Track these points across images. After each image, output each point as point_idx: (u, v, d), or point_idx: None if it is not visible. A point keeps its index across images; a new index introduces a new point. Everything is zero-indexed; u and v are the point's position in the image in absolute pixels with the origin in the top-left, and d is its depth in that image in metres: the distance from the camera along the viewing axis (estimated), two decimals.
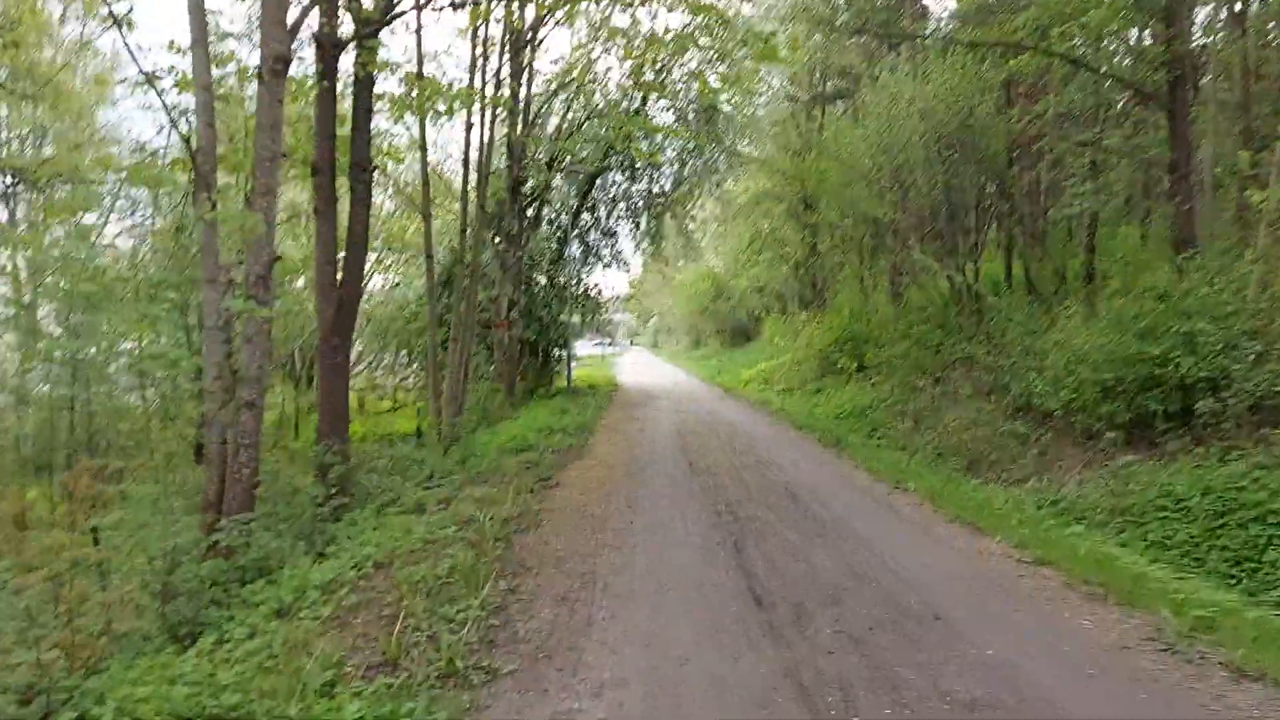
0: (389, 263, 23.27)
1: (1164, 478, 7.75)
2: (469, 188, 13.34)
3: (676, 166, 23.29)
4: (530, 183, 20.71)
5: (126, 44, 7.25)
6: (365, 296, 25.35)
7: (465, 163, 13.18)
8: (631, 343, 76.91)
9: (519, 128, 17.21)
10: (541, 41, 15.81)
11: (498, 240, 18.04)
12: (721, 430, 13.56)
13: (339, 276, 9.06)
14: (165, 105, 7.37)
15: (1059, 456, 10.31)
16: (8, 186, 21.41)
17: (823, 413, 16.70)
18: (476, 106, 12.92)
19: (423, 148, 12.86)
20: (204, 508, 6.04)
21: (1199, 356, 8.57)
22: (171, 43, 7.74)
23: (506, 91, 16.56)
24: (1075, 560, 5.72)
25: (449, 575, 5.27)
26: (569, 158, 20.03)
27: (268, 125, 6.09)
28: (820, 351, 22.29)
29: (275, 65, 6.15)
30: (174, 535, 4.60)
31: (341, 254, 9.38)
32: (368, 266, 23.54)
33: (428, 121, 12.63)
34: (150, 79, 7.49)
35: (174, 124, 6.98)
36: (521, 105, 18.01)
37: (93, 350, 14.13)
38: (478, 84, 13.00)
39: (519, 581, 5.39)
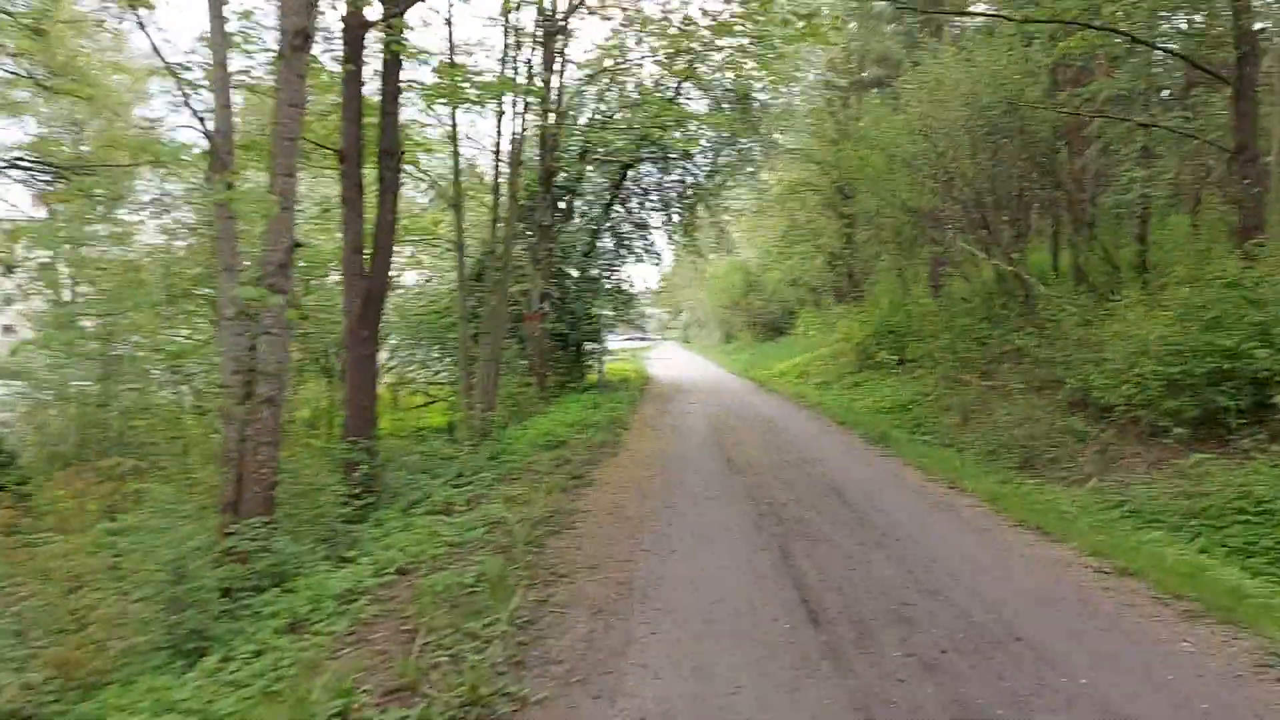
0: (422, 257, 23.11)
1: (1241, 478, 7.14)
2: (500, 179, 12.99)
3: (711, 156, 22.75)
4: (562, 175, 20.37)
5: (142, 25, 6.97)
6: (398, 290, 25.38)
7: (496, 153, 12.86)
8: (664, 337, 76.43)
9: (551, 118, 16.82)
10: (573, 31, 15.41)
11: (529, 233, 17.70)
12: (758, 425, 13.07)
13: (367, 267, 8.76)
14: (184, 91, 7.08)
15: (1121, 455, 9.67)
16: (47, 182, 21.60)
17: (863, 407, 16.13)
18: (509, 97, 12.59)
19: (454, 138, 12.56)
20: (222, 509, 5.74)
21: (1276, 348, 7.94)
22: (201, 35, 7.52)
23: (540, 82, 16.22)
24: (1162, 570, 5.17)
25: (475, 584, 4.89)
26: (601, 149, 19.61)
27: (287, 103, 5.76)
28: (858, 345, 21.71)
29: (295, 40, 5.81)
30: (183, 541, 4.28)
31: (368, 248, 9.10)
32: (400, 260, 23.47)
33: (460, 112, 12.35)
34: (171, 69, 7.24)
35: (191, 108, 6.68)
36: (555, 95, 17.65)
37: (124, 347, 14.08)
38: (509, 73, 12.65)
39: (551, 591, 4.99)
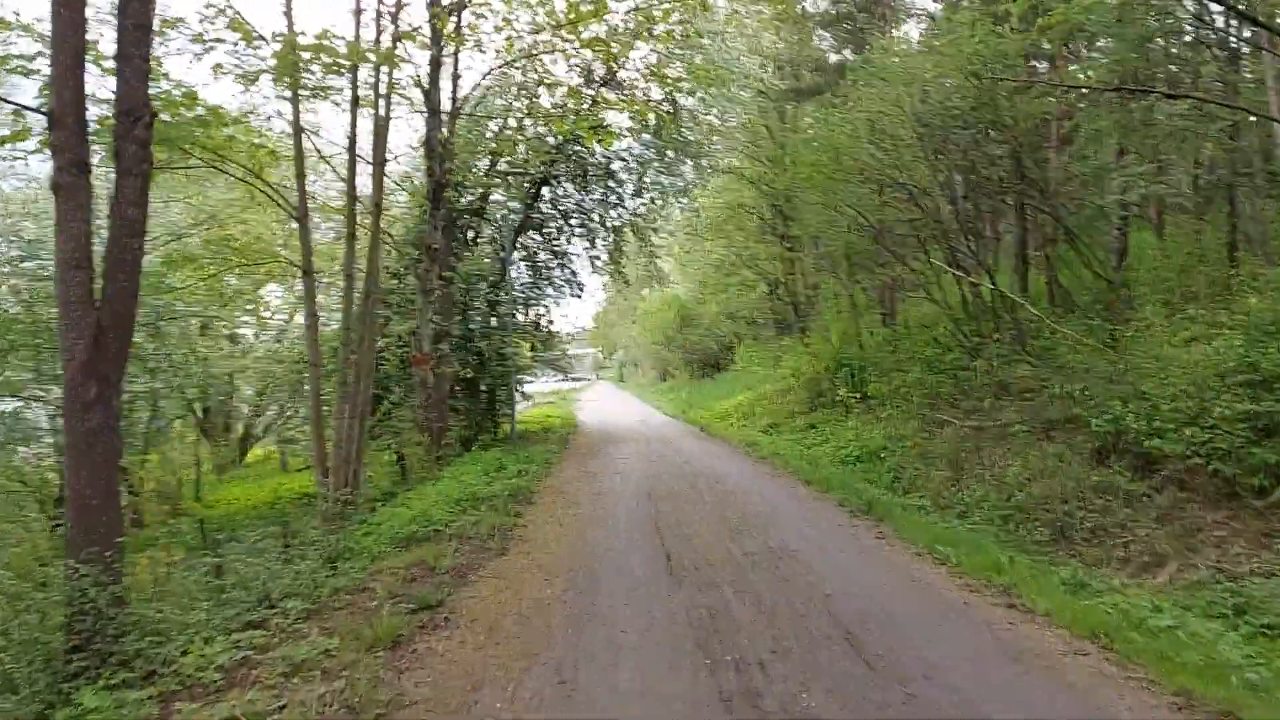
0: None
1: None
2: (355, 187, 9.92)
3: (636, 174, 20.15)
4: (465, 198, 17.44)
5: None
6: (275, 333, 21.81)
7: (351, 149, 9.78)
8: (597, 377, 73.51)
9: (441, 127, 13.95)
10: (466, 32, 12.56)
11: (418, 259, 14.65)
12: (706, 490, 10.18)
13: (97, 293, 5.61)
14: None
15: (1199, 524, 7.15)
16: None
17: (826, 457, 13.47)
18: (367, 77, 9.67)
19: (296, 131, 9.53)
20: None
21: None
22: None
23: (424, 67, 13.34)
24: None
25: None
26: (506, 162, 16.80)
27: None
28: (809, 381, 19.27)
29: None
30: None
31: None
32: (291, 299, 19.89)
33: (327, 106, 9.43)
34: None
35: None
36: (448, 98, 14.81)
37: None
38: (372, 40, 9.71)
39: None
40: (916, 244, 16.09)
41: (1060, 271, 13.49)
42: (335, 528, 9.03)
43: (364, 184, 10.57)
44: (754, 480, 11.11)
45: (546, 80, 16.90)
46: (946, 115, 12.87)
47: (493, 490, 10.31)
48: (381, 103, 9.70)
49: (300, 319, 19.72)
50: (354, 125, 9.69)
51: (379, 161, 9.92)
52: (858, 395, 16.63)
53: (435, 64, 13.60)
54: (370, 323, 10.21)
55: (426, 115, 13.70)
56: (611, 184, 19.97)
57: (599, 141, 13.33)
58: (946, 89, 12.99)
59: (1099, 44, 12.25)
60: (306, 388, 14.89)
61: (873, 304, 20.67)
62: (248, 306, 15.52)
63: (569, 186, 20.45)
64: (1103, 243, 12.80)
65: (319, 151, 11.31)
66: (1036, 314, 12.55)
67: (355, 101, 9.63)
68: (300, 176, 9.53)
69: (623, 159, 19.40)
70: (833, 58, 21.40)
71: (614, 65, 16.08)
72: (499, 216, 19.47)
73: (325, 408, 10.49)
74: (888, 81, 13.59)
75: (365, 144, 10.15)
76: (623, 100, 12.92)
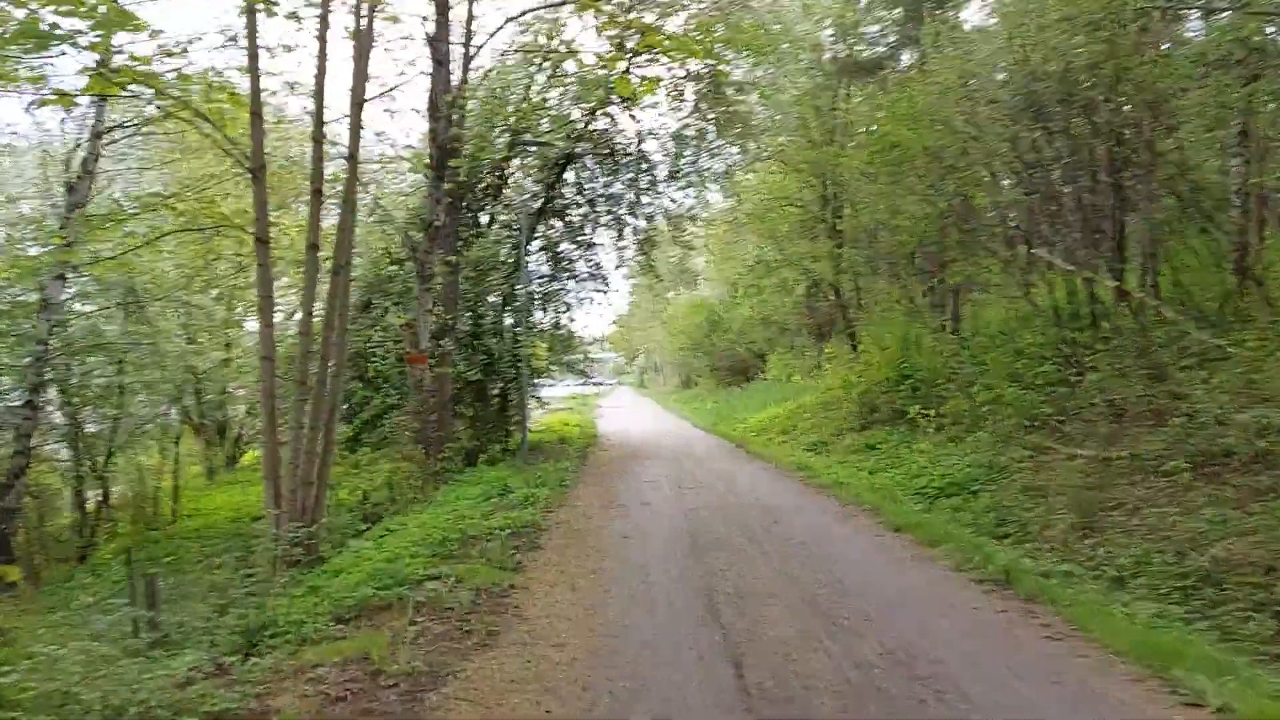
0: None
1: None
2: (324, 131, 7.67)
3: (673, 154, 17.82)
4: (481, 179, 15.27)
5: None
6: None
7: (320, 78, 7.54)
8: (619, 382, 71.22)
9: (449, 82, 11.74)
10: None
11: (417, 238, 12.43)
12: (765, 535, 7.81)
13: None
14: None
15: None
16: None
17: (898, 487, 11.05)
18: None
19: (252, 48, 7.33)
20: None
21: None
22: None
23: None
24: None
25: None
26: (528, 135, 14.53)
27: None
28: (863, 394, 16.88)
29: None
30: None
31: None
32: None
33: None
34: None
35: None
36: (462, 51, 12.64)
37: None
38: None
39: None
40: (1001, 236, 13.77)
41: (1179, 269, 11.06)
42: (279, 575, 6.82)
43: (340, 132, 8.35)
44: (823, 521, 8.71)
45: (573, 48, 14.75)
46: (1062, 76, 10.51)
47: (490, 525, 8.02)
48: (363, 17, 7.45)
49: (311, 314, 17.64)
50: (323, 50, 7.45)
51: (357, 101, 7.68)
52: (929, 413, 14.27)
53: (443, 6, 11.42)
54: (342, 307, 7.97)
55: (432, 68, 11.50)
56: (644, 165, 17.68)
57: (633, 97, 11.05)
58: (1058, 48, 10.65)
59: None
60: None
61: (939, 305, 18.20)
62: (213, 292, 13.24)
63: (595, 169, 18.19)
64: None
65: (288, 86, 9.05)
66: (1174, 317, 10.14)
67: (324, 20, 7.40)
68: (256, 115, 7.31)
69: (656, 136, 17.11)
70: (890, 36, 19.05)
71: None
72: (516, 199, 17.23)
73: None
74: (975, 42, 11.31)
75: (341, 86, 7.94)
76: (672, 42, 10.57)
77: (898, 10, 17.70)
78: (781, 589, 5.87)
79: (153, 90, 7.36)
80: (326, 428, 7.85)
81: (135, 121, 11.37)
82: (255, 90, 7.47)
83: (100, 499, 14.76)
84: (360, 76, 7.66)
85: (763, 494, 10.61)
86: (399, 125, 53.81)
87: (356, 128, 7.62)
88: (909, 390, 15.42)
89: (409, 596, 5.52)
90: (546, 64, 15.53)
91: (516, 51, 15.50)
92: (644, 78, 11.80)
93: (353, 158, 7.63)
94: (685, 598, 5.72)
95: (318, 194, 7.37)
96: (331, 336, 7.68)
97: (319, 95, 7.68)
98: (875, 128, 16.37)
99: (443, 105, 11.45)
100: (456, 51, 12.37)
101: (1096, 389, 10.13)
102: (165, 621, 6.58)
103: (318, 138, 7.42)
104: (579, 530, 8.21)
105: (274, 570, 6.91)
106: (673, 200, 18.42)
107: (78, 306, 12.06)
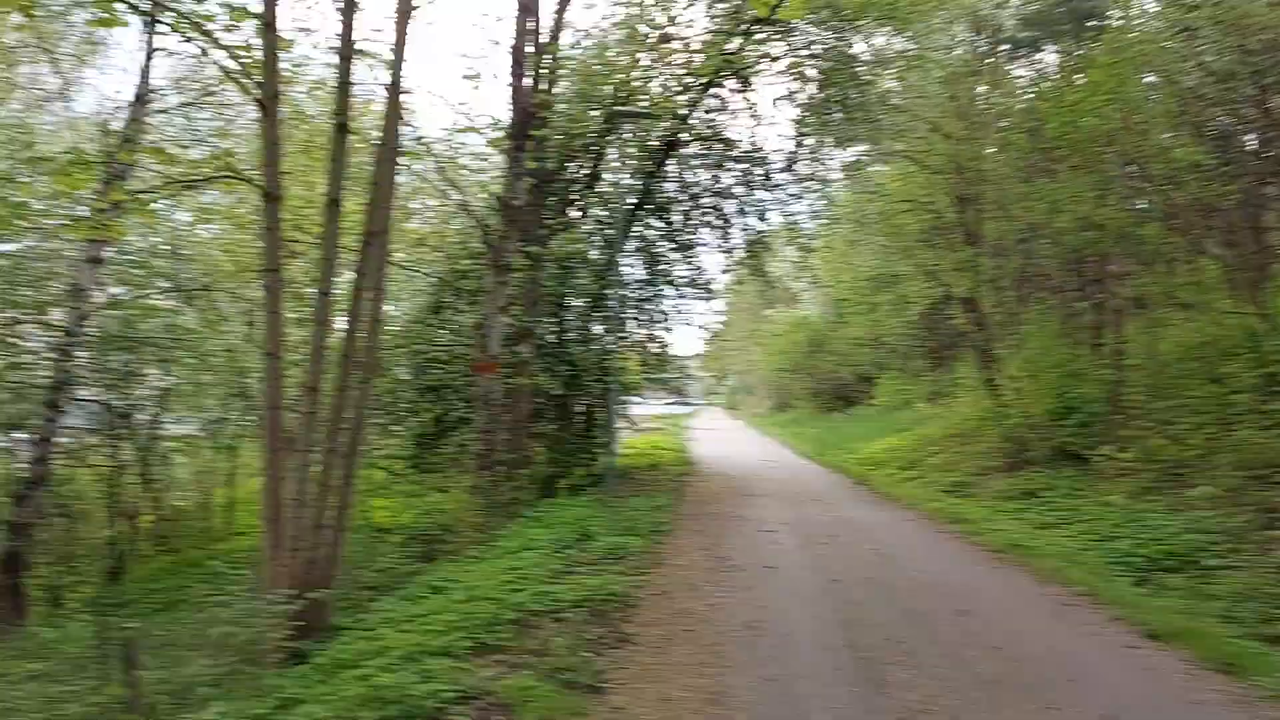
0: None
1: None
2: (352, 43, 5.64)
3: (794, 140, 15.36)
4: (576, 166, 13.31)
5: None
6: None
7: (345, 36, 5.49)
8: (708, 402, 68.42)
9: (536, 31, 9.76)
10: None
11: (493, 222, 10.42)
12: (955, 634, 5.25)
13: None
14: None
15: None
16: None
17: (1088, 550, 8.23)
18: None
19: None
20: None
21: None
22: None
23: None
24: None
25: None
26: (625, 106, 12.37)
27: None
28: (1012, 427, 14.13)
29: None
30: None
31: None
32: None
33: None
34: None
35: None
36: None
37: None
38: None
39: None
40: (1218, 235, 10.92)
41: None
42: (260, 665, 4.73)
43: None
44: (1029, 612, 6.02)
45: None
46: None
47: (560, 595, 5.75)
48: None
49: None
50: None
51: (404, 8, 5.64)
52: (1109, 455, 11.40)
53: None
54: (376, 289, 5.90)
55: (517, 14, 9.52)
56: (758, 155, 15.29)
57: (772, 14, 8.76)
58: None
59: None
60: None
61: (1097, 326, 15.16)
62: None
63: (702, 160, 15.91)
64: None
65: None
66: None
67: None
68: (269, 26, 5.33)
69: (773, 122, 14.72)
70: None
71: None
72: (611, 191, 15.10)
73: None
74: None
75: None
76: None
77: None
78: None
79: None
80: (348, 453, 5.76)
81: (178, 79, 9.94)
82: None
83: (133, 512, 13.13)
84: (402, 23, 5.62)
85: (921, 559, 7.97)
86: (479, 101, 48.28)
87: (401, 43, 5.57)
88: (1075, 426, 12.69)
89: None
90: (651, 33, 13.40)
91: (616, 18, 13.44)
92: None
93: (394, 85, 5.58)
94: None
95: (342, 129, 5.34)
96: (357, 328, 5.60)
97: (347, 47, 5.64)
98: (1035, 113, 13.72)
99: (526, 60, 9.46)
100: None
101: None
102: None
103: (345, 54, 5.40)
104: (684, 612, 5.80)
105: (256, 658, 4.83)
106: (792, 195, 15.92)
107: (114, 291, 10.62)
